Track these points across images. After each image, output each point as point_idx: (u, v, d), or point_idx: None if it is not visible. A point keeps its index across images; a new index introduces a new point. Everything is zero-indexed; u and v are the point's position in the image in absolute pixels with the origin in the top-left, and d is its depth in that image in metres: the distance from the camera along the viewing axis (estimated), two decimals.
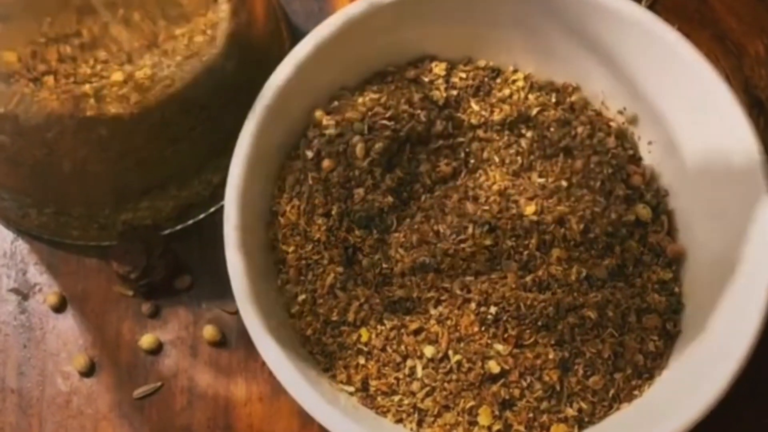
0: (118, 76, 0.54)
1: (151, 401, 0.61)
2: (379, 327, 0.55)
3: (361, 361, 0.55)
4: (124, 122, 0.54)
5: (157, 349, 0.62)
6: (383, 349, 0.55)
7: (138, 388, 0.61)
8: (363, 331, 0.55)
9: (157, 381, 0.61)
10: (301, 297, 0.56)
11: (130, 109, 0.54)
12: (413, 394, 0.54)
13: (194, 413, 0.60)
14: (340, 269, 0.56)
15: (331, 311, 0.55)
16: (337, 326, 0.56)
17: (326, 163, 0.57)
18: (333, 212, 0.56)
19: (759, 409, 0.61)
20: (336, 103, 0.60)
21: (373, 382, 0.55)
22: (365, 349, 0.55)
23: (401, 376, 0.55)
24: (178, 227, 0.64)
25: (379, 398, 0.55)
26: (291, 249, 0.57)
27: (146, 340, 0.62)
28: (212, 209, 0.63)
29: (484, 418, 0.54)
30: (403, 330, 0.55)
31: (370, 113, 0.58)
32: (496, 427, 0.54)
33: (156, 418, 0.60)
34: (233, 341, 0.62)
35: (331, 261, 0.56)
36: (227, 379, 0.61)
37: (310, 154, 0.58)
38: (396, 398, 0.55)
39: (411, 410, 0.54)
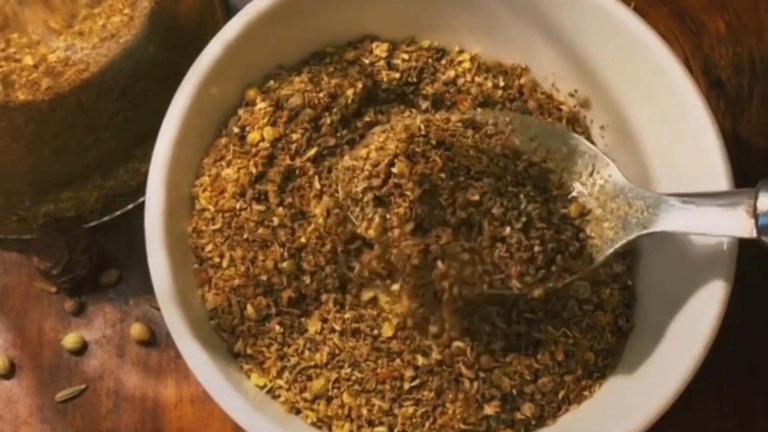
0: (28, 60, 0.50)
1: (74, 404, 0.58)
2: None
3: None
4: (37, 109, 0.51)
5: (82, 349, 0.59)
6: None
7: (61, 390, 0.58)
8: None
9: (81, 383, 0.58)
10: (213, 292, 0.53)
11: (41, 95, 0.50)
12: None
13: (121, 417, 0.57)
14: (242, 268, 0.53)
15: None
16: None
17: (252, 136, 0.54)
18: (246, 193, 0.54)
19: (722, 405, 0.58)
20: (271, 82, 0.56)
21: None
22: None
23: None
24: (105, 219, 0.60)
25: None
26: (205, 241, 0.54)
27: (70, 340, 0.59)
28: (140, 200, 0.59)
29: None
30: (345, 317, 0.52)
31: (306, 92, 0.55)
32: None
33: (80, 423, 0.57)
34: (163, 340, 0.59)
35: (231, 262, 0.53)
36: (156, 381, 0.58)
37: (236, 129, 0.55)
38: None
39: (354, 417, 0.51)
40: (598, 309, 0.53)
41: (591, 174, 0.52)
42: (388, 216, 0.49)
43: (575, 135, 0.53)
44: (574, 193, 0.52)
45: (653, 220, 0.49)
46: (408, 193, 0.49)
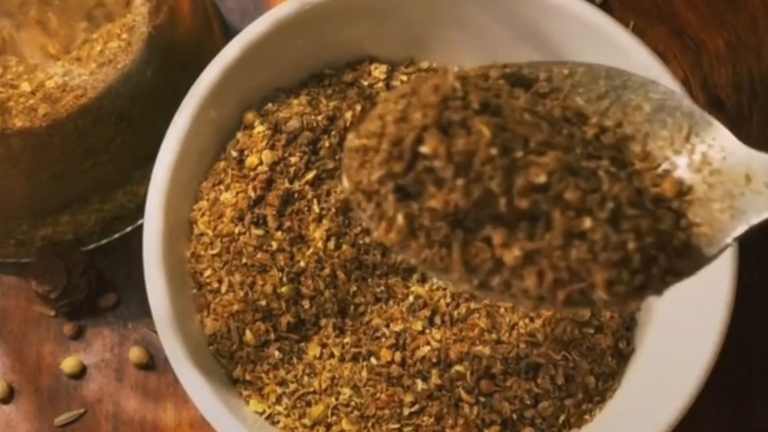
0: (26, 86, 0.50)
1: (73, 429, 0.58)
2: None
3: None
4: (35, 135, 0.51)
5: (81, 373, 0.58)
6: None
7: (60, 414, 0.58)
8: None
9: (80, 407, 0.58)
10: (212, 317, 0.53)
11: (39, 122, 0.50)
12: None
13: None
14: (241, 293, 0.52)
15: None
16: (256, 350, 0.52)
17: (251, 160, 0.54)
18: (245, 217, 0.53)
19: (720, 417, 0.58)
20: (270, 105, 0.56)
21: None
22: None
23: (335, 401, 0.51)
24: (103, 242, 0.60)
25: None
26: (204, 266, 0.53)
27: (68, 364, 0.58)
28: (139, 222, 0.59)
29: None
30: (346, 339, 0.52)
31: (304, 114, 0.55)
32: None
33: None
34: (161, 364, 0.58)
35: (230, 287, 0.53)
36: (155, 404, 0.58)
37: (234, 153, 0.55)
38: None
39: None
40: (598, 332, 0.53)
41: (687, 139, 0.38)
42: (416, 213, 0.36)
43: (661, 85, 0.40)
44: (665, 166, 0.38)
45: None
46: (445, 179, 0.36)
